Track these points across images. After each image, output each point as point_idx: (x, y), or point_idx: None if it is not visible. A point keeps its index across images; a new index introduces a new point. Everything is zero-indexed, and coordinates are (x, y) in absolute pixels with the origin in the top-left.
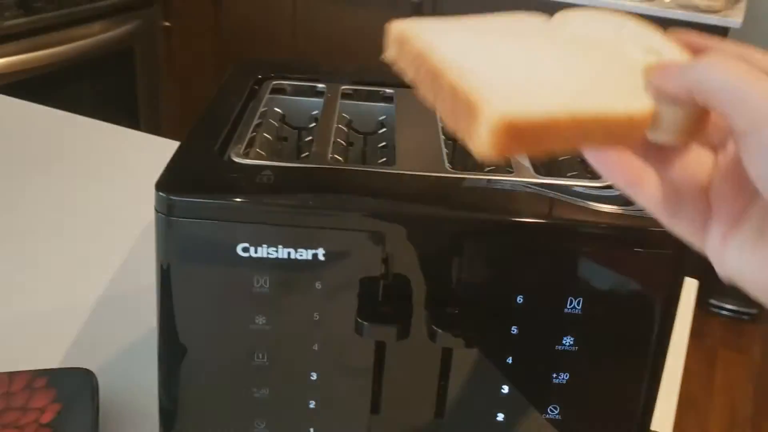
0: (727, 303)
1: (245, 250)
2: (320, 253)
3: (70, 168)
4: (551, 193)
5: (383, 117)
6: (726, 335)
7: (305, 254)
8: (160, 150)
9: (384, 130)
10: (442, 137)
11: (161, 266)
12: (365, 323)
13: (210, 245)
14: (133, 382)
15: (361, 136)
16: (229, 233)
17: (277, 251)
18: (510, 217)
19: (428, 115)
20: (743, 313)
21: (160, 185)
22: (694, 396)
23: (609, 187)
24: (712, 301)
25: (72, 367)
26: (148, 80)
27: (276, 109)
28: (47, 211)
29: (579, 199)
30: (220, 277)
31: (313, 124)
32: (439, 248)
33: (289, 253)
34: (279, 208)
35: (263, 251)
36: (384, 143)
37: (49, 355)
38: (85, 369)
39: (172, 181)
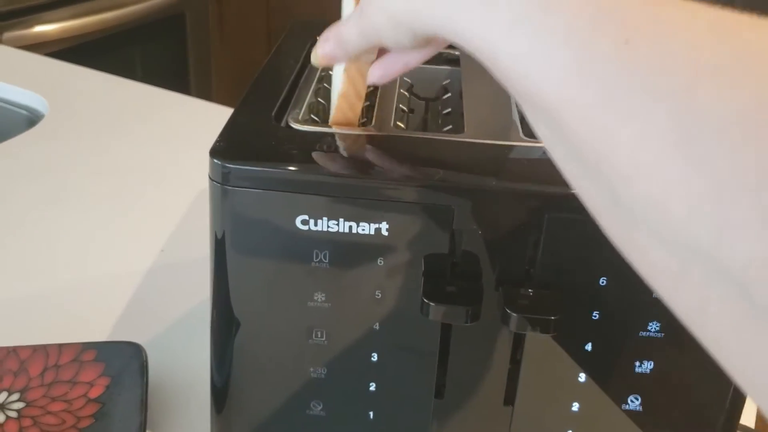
0: None
1: (304, 222)
2: (383, 227)
3: (122, 134)
4: None
5: (447, 81)
6: None
7: (368, 229)
8: (213, 116)
9: (449, 95)
10: (514, 103)
11: (215, 237)
12: (431, 304)
13: (267, 216)
14: (183, 357)
15: (423, 102)
16: (287, 204)
17: (338, 224)
18: None
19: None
20: None
21: (215, 152)
22: None
23: None
24: None
25: (121, 340)
26: (199, 46)
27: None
28: (96, 179)
29: None
30: (277, 251)
31: (371, 88)
32: (514, 224)
33: (350, 227)
34: (340, 179)
35: (323, 224)
36: (449, 110)
37: (99, 327)
38: (135, 343)
39: (228, 148)
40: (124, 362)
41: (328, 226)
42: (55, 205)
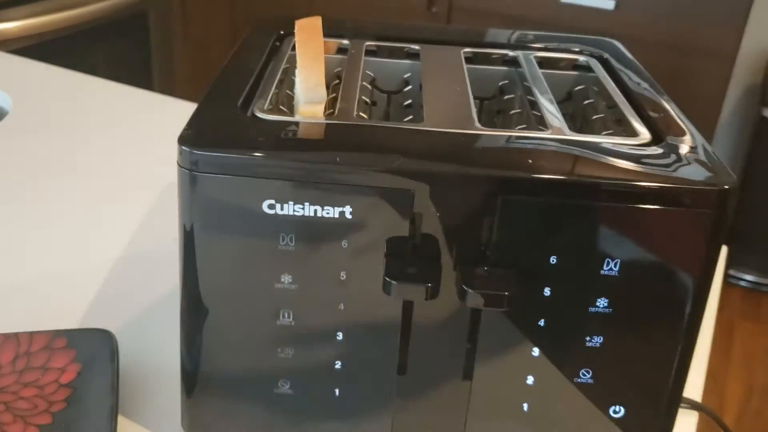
0: (745, 274)
1: (271, 207)
2: (347, 211)
3: (88, 130)
4: (585, 152)
5: (408, 75)
6: (744, 306)
7: (332, 212)
8: (177, 111)
9: (409, 87)
10: (471, 94)
11: (184, 223)
12: (393, 282)
13: (235, 202)
14: (153, 344)
15: (385, 95)
16: (254, 189)
17: (303, 208)
18: (543, 174)
19: (456, 71)
20: (763, 285)
21: (184, 140)
22: (712, 366)
23: (645, 144)
24: (731, 273)
25: (91, 327)
26: (162, 44)
27: None
28: (63, 174)
29: (614, 158)
30: (244, 235)
31: (336, 81)
32: (470, 207)
33: (315, 211)
34: (306, 164)
35: (289, 208)
36: (409, 101)
37: (68, 316)
38: (105, 330)
39: (196, 136)
40: (94, 349)
41: (294, 210)
42: (21, 199)
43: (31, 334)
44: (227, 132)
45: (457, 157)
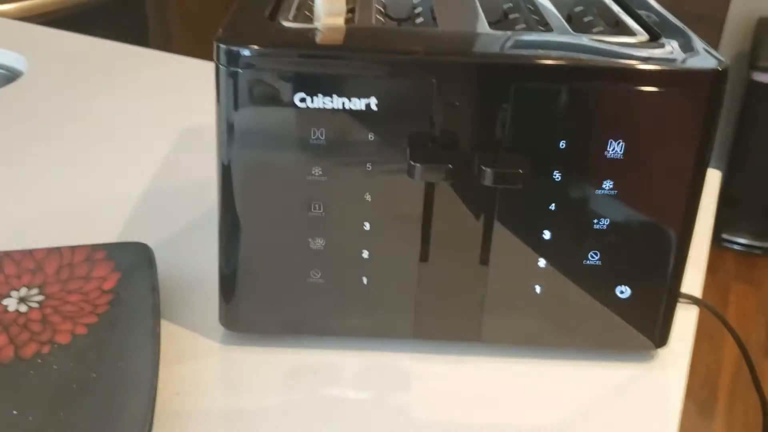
0: (739, 237)
1: (302, 100)
2: (372, 102)
3: (102, 86)
4: (590, 42)
5: (418, 1)
6: (739, 269)
7: (358, 104)
8: (183, 69)
9: (420, 19)
10: (481, 12)
11: (222, 119)
12: (417, 165)
13: (269, 96)
14: (186, 256)
15: (395, 23)
16: (287, 83)
17: (332, 101)
18: (551, 61)
19: None
20: (756, 247)
21: (221, 38)
22: (709, 326)
23: (645, 41)
24: (725, 236)
25: (128, 241)
26: (159, 27)
27: None
28: (80, 123)
29: (617, 47)
30: (279, 129)
31: (351, 7)
32: (486, 95)
33: (343, 103)
34: (333, 58)
35: (319, 101)
36: (421, 20)
37: (103, 237)
38: (141, 242)
39: (232, 36)
40: (132, 259)
41: (324, 103)
42: (46, 144)
43: (73, 248)
44: (259, 34)
45: (473, 48)
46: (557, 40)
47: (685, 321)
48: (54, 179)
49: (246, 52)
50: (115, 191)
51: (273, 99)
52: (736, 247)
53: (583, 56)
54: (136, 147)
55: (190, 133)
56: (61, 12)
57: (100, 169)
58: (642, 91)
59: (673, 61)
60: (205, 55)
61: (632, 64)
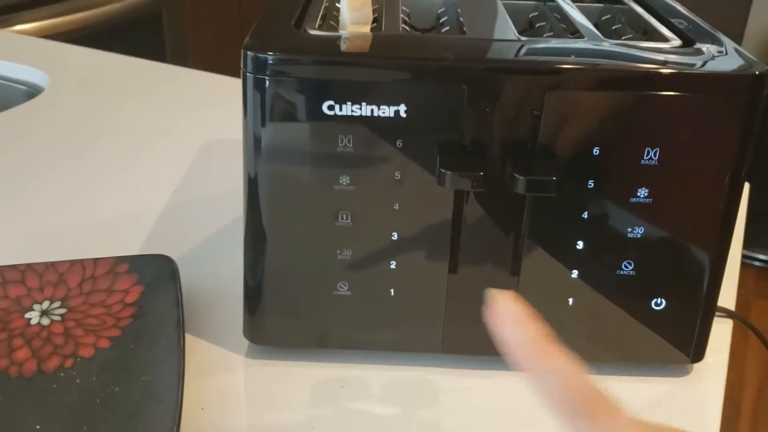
0: (759, 254)
1: (330, 108)
2: (402, 109)
3: (123, 101)
4: (623, 49)
5: (442, 9)
6: (759, 285)
7: (387, 111)
8: (204, 84)
9: (447, 29)
10: (509, 19)
11: (249, 127)
12: (447, 173)
13: (297, 104)
14: (209, 269)
15: (419, 33)
16: (315, 91)
17: (360, 108)
18: (585, 66)
19: (490, 4)
20: None
21: (249, 46)
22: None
23: (678, 47)
24: (745, 252)
25: (151, 254)
26: (176, 45)
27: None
28: (102, 138)
29: (651, 53)
30: (306, 137)
31: (375, 16)
32: (518, 102)
33: (372, 111)
34: (362, 66)
35: (347, 109)
36: (447, 29)
37: (127, 250)
38: (164, 255)
39: (260, 43)
40: (156, 272)
41: (352, 110)
42: (64, 158)
43: (96, 261)
44: (287, 41)
45: (504, 55)
46: (589, 46)
47: (720, 334)
48: (76, 193)
49: (273, 60)
50: (138, 204)
51: (300, 107)
52: (756, 263)
53: (617, 62)
54: (157, 160)
55: (211, 146)
56: (80, 31)
57: (122, 183)
58: (679, 96)
59: (711, 65)
60: (221, 70)
61: (669, 69)
